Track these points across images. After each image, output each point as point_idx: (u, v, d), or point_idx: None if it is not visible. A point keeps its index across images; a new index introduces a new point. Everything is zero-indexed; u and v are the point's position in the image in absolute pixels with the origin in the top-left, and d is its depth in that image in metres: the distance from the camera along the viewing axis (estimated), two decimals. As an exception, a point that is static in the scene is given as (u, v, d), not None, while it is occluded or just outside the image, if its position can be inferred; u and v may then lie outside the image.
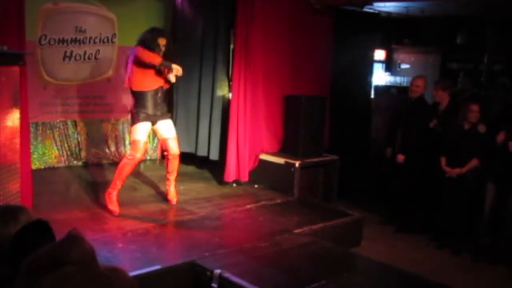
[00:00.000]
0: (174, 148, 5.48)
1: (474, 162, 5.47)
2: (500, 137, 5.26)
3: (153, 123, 5.37)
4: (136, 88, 5.26)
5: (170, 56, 5.29)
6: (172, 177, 5.62)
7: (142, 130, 5.26)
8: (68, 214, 5.14)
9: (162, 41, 5.18)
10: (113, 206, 5.27)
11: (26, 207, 2.20)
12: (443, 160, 5.64)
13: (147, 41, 5.14)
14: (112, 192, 5.30)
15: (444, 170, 5.61)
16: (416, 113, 6.06)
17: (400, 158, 6.04)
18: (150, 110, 5.25)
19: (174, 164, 5.54)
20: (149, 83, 5.24)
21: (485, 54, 8.13)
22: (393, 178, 6.35)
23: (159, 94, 5.31)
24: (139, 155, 5.26)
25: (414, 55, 9.33)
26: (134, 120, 5.27)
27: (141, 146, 5.24)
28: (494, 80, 7.75)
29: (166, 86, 5.42)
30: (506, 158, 5.25)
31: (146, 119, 5.25)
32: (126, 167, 5.30)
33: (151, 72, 5.19)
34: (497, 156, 5.36)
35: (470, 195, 5.55)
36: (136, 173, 7.18)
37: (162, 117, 5.39)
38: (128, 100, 7.50)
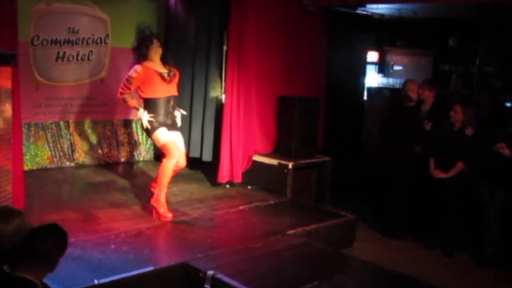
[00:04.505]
0: (182, 162, 5.36)
1: (459, 166, 5.40)
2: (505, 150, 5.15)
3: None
4: (147, 95, 5.17)
5: (163, 59, 5.24)
6: None
7: (163, 132, 5.15)
8: (60, 215, 5.11)
9: (156, 43, 5.15)
10: (164, 210, 5.19)
11: (23, 211, 2.22)
12: (431, 162, 5.64)
13: (143, 51, 5.11)
14: (160, 194, 5.20)
15: (431, 172, 5.58)
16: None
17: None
18: (161, 117, 5.15)
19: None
20: (161, 90, 5.14)
21: (477, 57, 8.17)
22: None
23: (171, 103, 5.23)
24: (177, 154, 5.15)
25: (406, 57, 9.36)
26: (151, 130, 5.13)
27: (172, 146, 5.13)
28: (485, 82, 7.80)
29: (176, 95, 5.31)
30: (498, 161, 5.23)
31: (160, 126, 5.14)
32: (168, 171, 5.15)
33: (160, 81, 5.11)
34: (489, 158, 5.33)
35: (458, 197, 5.49)
36: (129, 174, 7.18)
37: (173, 127, 5.28)
38: (120, 102, 7.54)
